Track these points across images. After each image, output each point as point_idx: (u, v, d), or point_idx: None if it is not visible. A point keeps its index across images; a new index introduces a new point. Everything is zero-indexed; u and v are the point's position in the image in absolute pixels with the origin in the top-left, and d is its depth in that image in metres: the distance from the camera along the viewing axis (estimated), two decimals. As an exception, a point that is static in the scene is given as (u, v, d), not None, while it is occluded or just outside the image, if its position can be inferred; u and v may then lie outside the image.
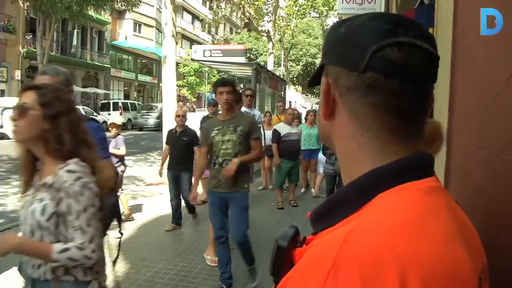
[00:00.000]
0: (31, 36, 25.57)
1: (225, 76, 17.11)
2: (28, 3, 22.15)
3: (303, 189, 8.78)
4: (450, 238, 0.63)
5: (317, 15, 38.88)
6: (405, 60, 0.63)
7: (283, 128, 7.48)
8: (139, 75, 39.33)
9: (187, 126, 6.23)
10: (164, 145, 6.72)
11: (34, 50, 24.49)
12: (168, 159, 6.32)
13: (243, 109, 6.36)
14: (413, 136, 0.69)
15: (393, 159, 0.67)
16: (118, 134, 6.19)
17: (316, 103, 33.49)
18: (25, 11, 25.26)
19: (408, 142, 0.68)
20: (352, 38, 0.67)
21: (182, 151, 6.00)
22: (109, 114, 23.76)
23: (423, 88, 0.67)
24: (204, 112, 11.26)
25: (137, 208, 7.00)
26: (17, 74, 24.70)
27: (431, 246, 0.59)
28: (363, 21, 0.68)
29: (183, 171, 5.98)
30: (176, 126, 6.24)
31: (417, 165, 0.68)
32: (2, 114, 17.70)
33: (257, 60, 35.56)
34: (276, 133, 7.41)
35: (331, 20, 44.38)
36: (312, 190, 8.63)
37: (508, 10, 1.77)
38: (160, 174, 6.63)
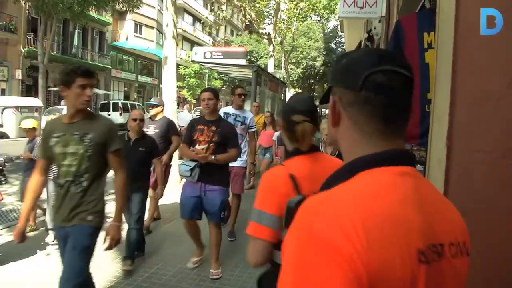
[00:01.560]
0: (32, 36, 25.57)
1: (225, 78, 17.14)
2: (29, 3, 22.15)
3: None
4: (402, 203, 0.85)
5: (318, 18, 38.88)
6: (388, 82, 0.90)
7: None
8: (139, 76, 39.32)
9: (145, 133, 5.10)
10: None
11: (35, 49, 24.48)
12: None
13: (231, 110, 5.89)
14: (395, 137, 0.94)
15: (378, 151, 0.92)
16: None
17: (317, 106, 33.52)
18: (27, 11, 25.26)
19: (391, 141, 0.93)
20: (351, 67, 0.95)
21: (135, 165, 4.42)
22: (109, 115, 23.69)
23: (403, 102, 0.94)
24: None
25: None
26: (18, 74, 24.69)
27: (381, 204, 0.83)
28: (358, 55, 0.97)
29: (134, 192, 4.48)
30: (128, 132, 4.84)
31: (395, 156, 0.92)
32: (2, 113, 17.70)
33: (258, 63, 35.56)
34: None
35: (332, 24, 44.44)
36: None
37: (508, 10, 1.77)
38: None
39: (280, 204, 1.60)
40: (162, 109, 6.23)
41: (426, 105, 2.51)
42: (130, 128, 4.82)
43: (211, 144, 4.30)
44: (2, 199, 4.99)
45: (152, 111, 6.12)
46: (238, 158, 4.90)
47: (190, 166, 4.25)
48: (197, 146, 4.33)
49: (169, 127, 6.10)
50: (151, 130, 5.81)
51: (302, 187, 1.71)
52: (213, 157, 4.20)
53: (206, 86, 39.67)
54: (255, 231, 1.70)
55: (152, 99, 6.32)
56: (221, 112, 5.60)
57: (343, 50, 41.68)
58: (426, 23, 2.51)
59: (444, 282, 0.87)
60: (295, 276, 0.78)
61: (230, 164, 4.75)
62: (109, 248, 2.83)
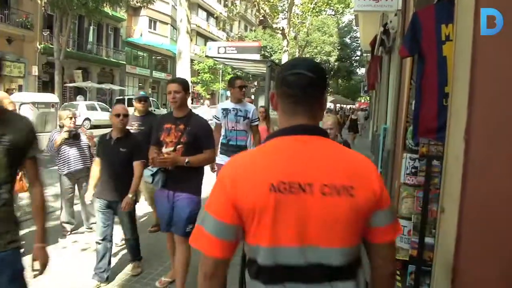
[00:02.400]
0: (48, 32, 25.83)
1: (239, 73, 17.08)
2: (45, 0, 22.39)
3: None
4: (285, 156, 1.32)
5: (333, 13, 38.58)
6: (296, 80, 1.36)
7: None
8: (153, 71, 39.54)
9: (129, 131, 4.45)
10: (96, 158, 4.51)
11: (51, 46, 24.76)
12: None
13: (230, 105, 5.29)
14: (302, 116, 1.37)
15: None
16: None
17: (331, 101, 33.26)
18: (43, 8, 25.54)
19: (299, 119, 1.37)
20: (278, 72, 1.47)
21: (118, 168, 4.07)
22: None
23: (309, 92, 1.37)
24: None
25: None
26: (35, 70, 25.00)
27: (255, 157, 1.39)
28: (284, 64, 1.52)
29: (120, 199, 4.04)
30: (111, 131, 4.24)
31: (298, 128, 1.36)
32: (19, 109, 17.92)
33: (272, 58, 35.47)
34: None
35: (347, 18, 44.05)
36: None
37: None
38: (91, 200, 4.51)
39: None
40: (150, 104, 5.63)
41: (444, 99, 2.46)
42: (112, 125, 4.15)
43: (179, 146, 3.59)
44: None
45: (138, 106, 5.43)
46: None
47: (152, 170, 3.67)
48: (163, 149, 3.64)
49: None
50: (135, 127, 5.19)
51: None
52: (186, 160, 3.53)
53: (220, 81, 39.84)
54: None
55: (141, 92, 5.85)
56: (219, 109, 5.37)
57: (358, 44, 41.34)
58: (444, 14, 2.44)
59: (309, 212, 1.25)
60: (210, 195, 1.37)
61: None
62: (39, 273, 2.38)
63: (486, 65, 1.88)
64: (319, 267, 1.28)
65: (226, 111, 5.25)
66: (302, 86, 1.35)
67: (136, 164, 4.09)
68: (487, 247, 1.74)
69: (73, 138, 5.27)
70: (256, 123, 5.44)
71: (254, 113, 5.35)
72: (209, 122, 4.02)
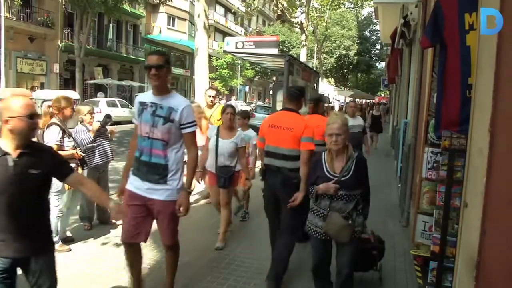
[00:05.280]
0: (69, 30, 26.22)
1: (257, 68, 17.08)
2: (66, -2, 22.74)
3: None
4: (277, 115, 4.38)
5: (352, 6, 38.12)
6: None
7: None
8: (172, 68, 39.75)
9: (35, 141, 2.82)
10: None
11: (71, 44, 25.12)
12: None
13: (148, 98, 3.34)
14: (289, 103, 4.21)
15: None
16: None
17: (350, 96, 32.96)
18: (63, 6, 25.92)
19: (288, 104, 4.25)
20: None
21: (21, 207, 2.41)
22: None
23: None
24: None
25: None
26: (56, 68, 25.43)
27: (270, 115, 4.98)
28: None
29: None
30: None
31: (284, 108, 4.28)
32: (41, 106, 18.26)
33: (290, 53, 35.30)
34: None
35: (366, 11, 43.51)
36: None
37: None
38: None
39: None
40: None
41: (467, 90, 2.38)
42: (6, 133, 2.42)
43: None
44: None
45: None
46: (166, 185, 3.28)
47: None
48: None
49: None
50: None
51: None
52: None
53: (239, 77, 39.82)
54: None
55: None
56: (136, 102, 3.48)
57: (377, 38, 40.82)
58: (467, 3, 2.35)
59: (279, 135, 3.92)
60: None
61: (148, 195, 3.27)
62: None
63: (512, 54, 1.80)
64: (280, 153, 3.92)
65: (142, 105, 3.36)
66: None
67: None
68: (513, 243, 1.68)
69: (103, 130, 5.42)
70: (190, 129, 3.31)
71: (185, 112, 3.26)
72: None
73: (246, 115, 6.12)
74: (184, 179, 3.39)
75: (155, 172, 3.23)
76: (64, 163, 2.62)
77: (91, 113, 5.34)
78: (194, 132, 3.32)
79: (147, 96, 3.36)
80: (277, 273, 3.86)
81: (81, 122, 5.31)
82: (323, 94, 5.70)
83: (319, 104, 5.70)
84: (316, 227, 3.24)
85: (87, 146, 5.13)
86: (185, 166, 3.45)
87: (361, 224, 3.19)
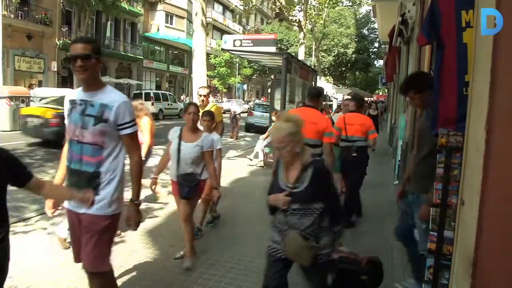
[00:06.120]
0: (67, 28, 26.21)
1: (255, 66, 17.01)
2: (63, -4, 22.70)
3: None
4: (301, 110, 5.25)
5: (350, 4, 38.14)
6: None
7: None
8: (170, 66, 39.76)
9: None
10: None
11: (69, 42, 24.96)
12: None
13: (78, 95, 2.81)
14: (309, 101, 5.21)
15: None
16: None
17: (348, 94, 32.96)
18: (61, 4, 25.88)
19: (308, 102, 5.24)
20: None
21: None
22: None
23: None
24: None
25: (168, 196, 7.04)
26: (54, 66, 25.41)
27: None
28: None
29: None
30: None
31: (304, 105, 5.50)
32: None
33: (288, 51, 35.30)
34: None
35: (364, 9, 43.50)
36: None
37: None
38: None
39: None
40: None
41: (464, 88, 2.37)
42: None
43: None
44: None
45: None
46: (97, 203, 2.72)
47: None
48: None
49: None
50: None
51: None
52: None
53: (237, 75, 39.76)
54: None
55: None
56: (65, 101, 3.08)
57: (375, 36, 40.82)
58: (464, 0, 2.36)
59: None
60: None
61: (77, 209, 2.76)
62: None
63: (509, 52, 1.80)
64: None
65: (72, 105, 2.83)
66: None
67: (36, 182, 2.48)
68: (509, 240, 1.68)
69: None
70: (130, 130, 2.78)
71: (122, 109, 2.71)
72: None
73: (210, 115, 5.24)
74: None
75: (87, 182, 2.70)
76: (21, 170, 2.34)
77: None
78: (135, 133, 2.82)
79: (77, 93, 2.82)
80: None
81: None
82: (322, 88, 5.39)
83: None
84: (272, 241, 2.84)
85: None
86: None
87: (329, 246, 2.74)
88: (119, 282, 3.85)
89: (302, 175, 2.70)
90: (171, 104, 28.10)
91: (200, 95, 6.40)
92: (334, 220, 2.75)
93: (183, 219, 4.29)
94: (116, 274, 3.99)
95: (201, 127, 4.82)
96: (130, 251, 4.61)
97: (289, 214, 2.69)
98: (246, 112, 22.75)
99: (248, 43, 19.58)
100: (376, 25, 30.66)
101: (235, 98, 28.34)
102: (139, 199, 2.90)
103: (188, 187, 4.25)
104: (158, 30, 36.59)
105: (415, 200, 3.50)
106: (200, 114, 4.83)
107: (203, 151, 4.31)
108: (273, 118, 10.24)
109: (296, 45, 34.85)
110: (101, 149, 2.70)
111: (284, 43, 41.82)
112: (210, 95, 6.73)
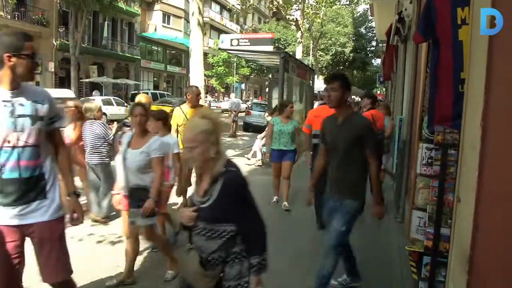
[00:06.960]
0: (64, 29, 26.15)
1: (253, 65, 17.05)
2: (60, -4, 22.68)
3: (275, 198, 6.74)
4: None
5: (347, 3, 38.13)
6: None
7: None
8: (168, 66, 39.71)
9: None
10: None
11: (66, 42, 25.05)
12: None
13: (3, 94, 2.40)
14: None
15: None
16: None
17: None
18: (58, 4, 25.82)
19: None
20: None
21: None
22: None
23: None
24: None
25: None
26: (51, 66, 25.33)
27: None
28: None
29: None
30: None
31: (322, 103, 6.66)
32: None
33: (286, 50, 35.29)
34: None
35: (362, 8, 43.49)
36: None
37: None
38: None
39: None
40: None
41: (460, 85, 2.38)
42: None
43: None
44: None
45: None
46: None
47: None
48: None
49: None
50: None
51: None
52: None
53: (234, 74, 39.72)
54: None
55: None
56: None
57: (373, 34, 40.81)
58: (460, -3, 2.37)
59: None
60: None
61: (23, 221, 2.47)
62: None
63: (504, 49, 1.80)
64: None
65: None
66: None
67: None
68: (504, 237, 1.68)
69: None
70: (61, 123, 2.72)
71: (52, 103, 2.59)
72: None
73: (161, 116, 4.59)
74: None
75: (30, 188, 2.45)
76: None
77: (100, 109, 5.73)
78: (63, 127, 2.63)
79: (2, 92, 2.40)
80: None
81: (95, 119, 5.57)
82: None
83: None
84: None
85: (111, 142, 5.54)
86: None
87: (237, 278, 2.18)
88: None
89: (211, 187, 2.19)
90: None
91: (189, 95, 5.84)
92: (249, 249, 2.21)
93: (129, 236, 3.81)
94: (113, 273, 4.02)
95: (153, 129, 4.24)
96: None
97: (195, 234, 2.22)
98: (243, 111, 22.65)
99: (246, 42, 19.62)
100: (373, 24, 30.64)
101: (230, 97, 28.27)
102: (75, 189, 2.72)
103: (138, 204, 3.62)
104: (155, 30, 36.53)
105: (338, 206, 3.45)
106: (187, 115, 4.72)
107: (150, 158, 3.65)
108: (268, 118, 10.23)
109: (294, 44, 34.82)
110: (39, 149, 2.49)
111: (282, 42, 41.79)
112: (200, 95, 6.17)
